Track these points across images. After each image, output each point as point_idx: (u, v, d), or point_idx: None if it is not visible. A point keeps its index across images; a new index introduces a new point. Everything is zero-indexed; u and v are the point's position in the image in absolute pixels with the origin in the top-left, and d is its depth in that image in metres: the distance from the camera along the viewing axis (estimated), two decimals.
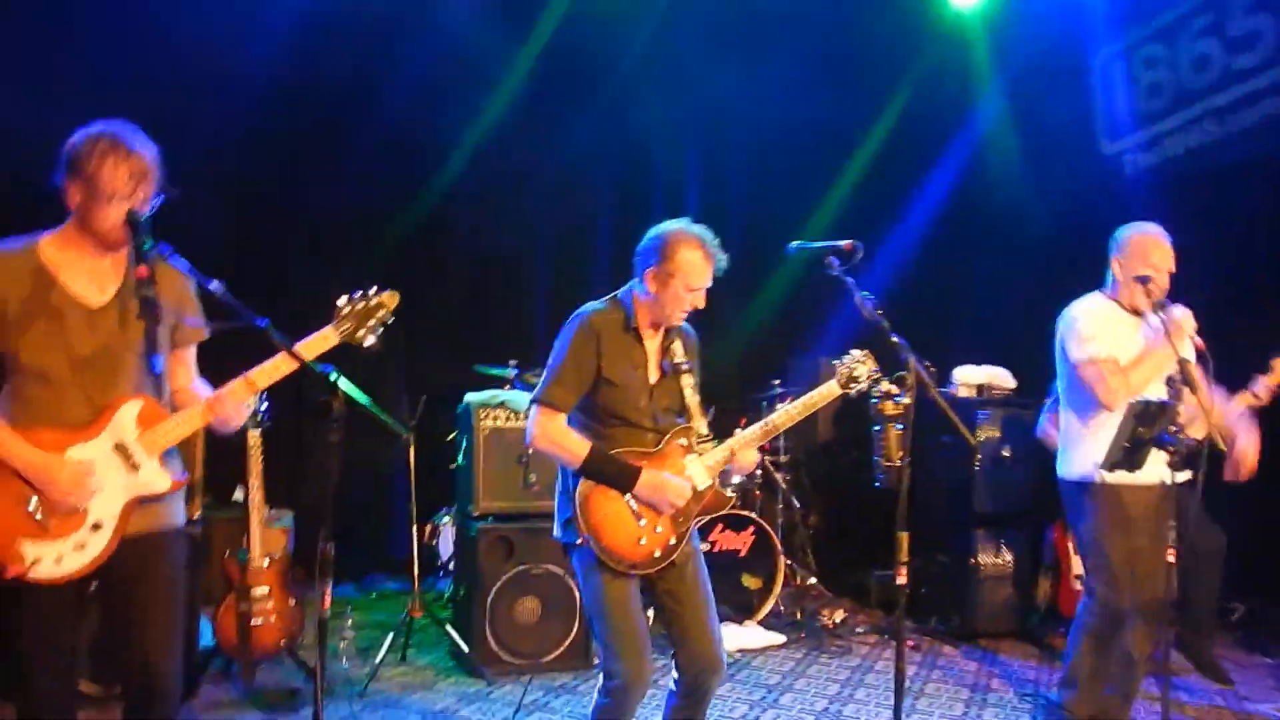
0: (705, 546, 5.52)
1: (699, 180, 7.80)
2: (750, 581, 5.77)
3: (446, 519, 6.34)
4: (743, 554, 5.76)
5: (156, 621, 2.67)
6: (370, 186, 6.74)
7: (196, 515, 4.66)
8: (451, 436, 5.59)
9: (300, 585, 4.68)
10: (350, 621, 5.23)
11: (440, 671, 4.92)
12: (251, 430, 4.40)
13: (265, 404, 4.42)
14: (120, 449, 2.60)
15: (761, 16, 7.02)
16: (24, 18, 5.10)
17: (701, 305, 3.22)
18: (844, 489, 6.99)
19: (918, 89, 7.58)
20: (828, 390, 3.36)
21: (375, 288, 2.73)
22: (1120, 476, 3.72)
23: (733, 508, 5.78)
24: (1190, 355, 3.68)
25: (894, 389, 3.22)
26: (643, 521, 3.16)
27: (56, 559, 2.53)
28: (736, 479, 5.85)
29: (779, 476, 6.25)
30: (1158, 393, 3.64)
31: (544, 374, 3.22)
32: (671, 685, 3.37)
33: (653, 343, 3.30)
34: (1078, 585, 5.83)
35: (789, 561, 5.99)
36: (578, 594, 4.89)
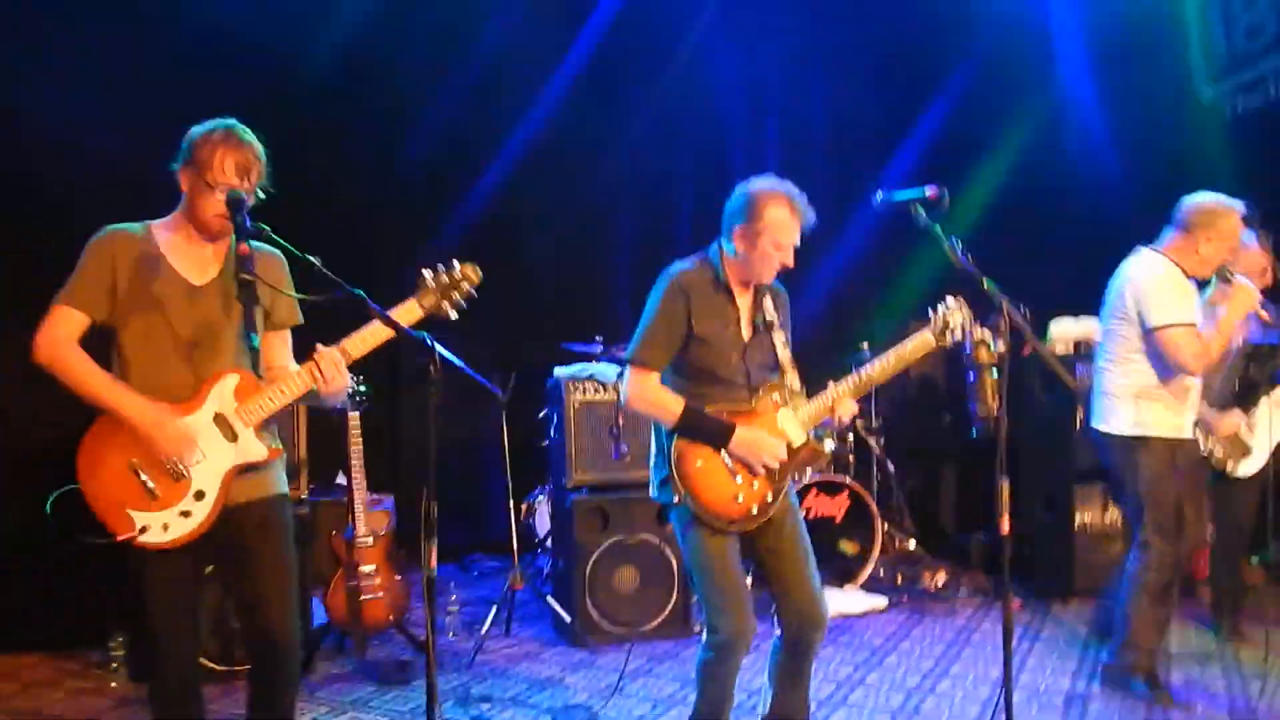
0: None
1: (777, 138, 7.70)
2: (848, 547, 5.74)
3: (541, 497, 6.42)
4: (838, 520, 5.73)
5: (273, 583, 2.79)
6: (446, 166, 6.80)
7: (303, 495, 4.81)
8: (542, 414, 5.66)
9: (404, 563, 4.78)
10: (454, 597, 5.35)
11: (544, 642, 5.00)
12: (351, 412, 4.52)
13: (364, 387, 4.53)
14: (220, 420, 2.71)
15: None
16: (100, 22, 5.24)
17: (791, 263, 3.20)
18: (939, 452, 6.90)
19: (1000, 35, 7.35)
20: (922, 341, 3.31)
21: (458, 262, 2.79)
22: (1169, 431, 3.93)
23: (826, 474, 5.78)
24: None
25: (989, 336, 3.16)
26: (739, 478, 3.16)
27: (164, 526, 2.66)
28: (830, 445, 5.81)
29: (872, 441, 6.19)
30: None
31: (635, 334, 3.23)
32: (775, 642, 3.38)
33: (744, 300, 3.29)
34: None
35: (886, 526, 5.93)
36: (675, 562, 4.92)
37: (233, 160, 2.65)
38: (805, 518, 5.55)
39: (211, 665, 4.23)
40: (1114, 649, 4.12)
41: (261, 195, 2.74)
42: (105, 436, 2.66)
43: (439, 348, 2.49)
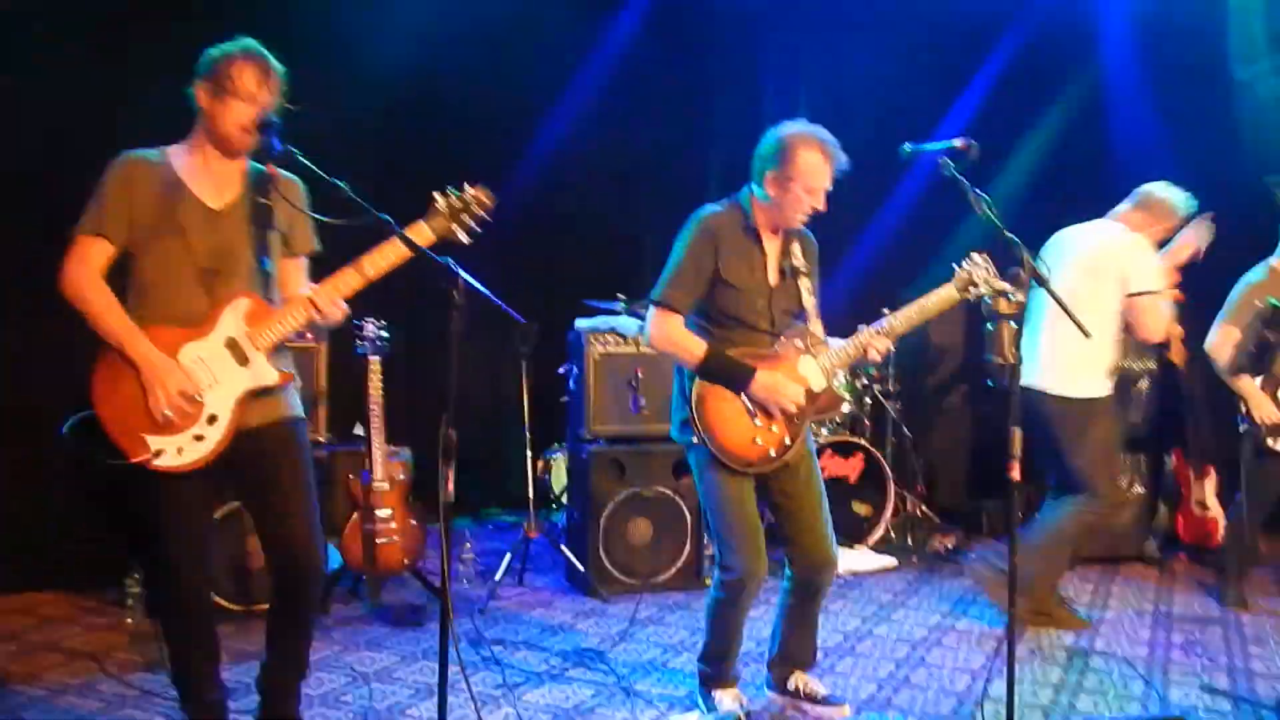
0: None
1: (812, 106, 7.64)
2: (860, 508, 5.78)
3: (558, 455, 6.48)
4: (852, 480, 5.77)
5: (295, 501, 2.84)
6: (472, 124, 6.81)
7: (320, 439, 4.87)
8: (562, 370, 5.70)
9: (422, 514, 4.83)
10: (468, 545, 5.42)
11: (557, 591, 5.07)
12: (372, 356, 4.57)
13: (385, 333, 4.58)
14: (231, 344, 2.75)
15: None
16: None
17: (822, 208, 3.22)
18: (955, 419, 6.92)
19: (1044, 8, 7.28)
20: (945, 294, 3.34)
21: (468, 184, 2.81)
22: (1105, 390, 4.33)
23: (841, 435, 5.82)
24: None
25: (1008, 286, 3.19)
26: (758, 421, 3.20)
27: (178, 450, 2.71)
28: (847, 408, 5.87)
29: (889, 405, 6.22)
30: None
31: (662, 274, 3.26)
32: (784, 584, 3.43)
33: (772, 245, 3.31)
34: (1198, 511, 5.71)
35: (899, 489, 5.97)
36: (689, 516, 4.98)
37: (252, 70, 2.69)
38: None
39: (227, 605, 4.30)
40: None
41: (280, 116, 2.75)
42: (119, 363, 2.70)
43: (463, 273, 2.53)
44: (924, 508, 6.28)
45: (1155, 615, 4.78)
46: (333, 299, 2.75)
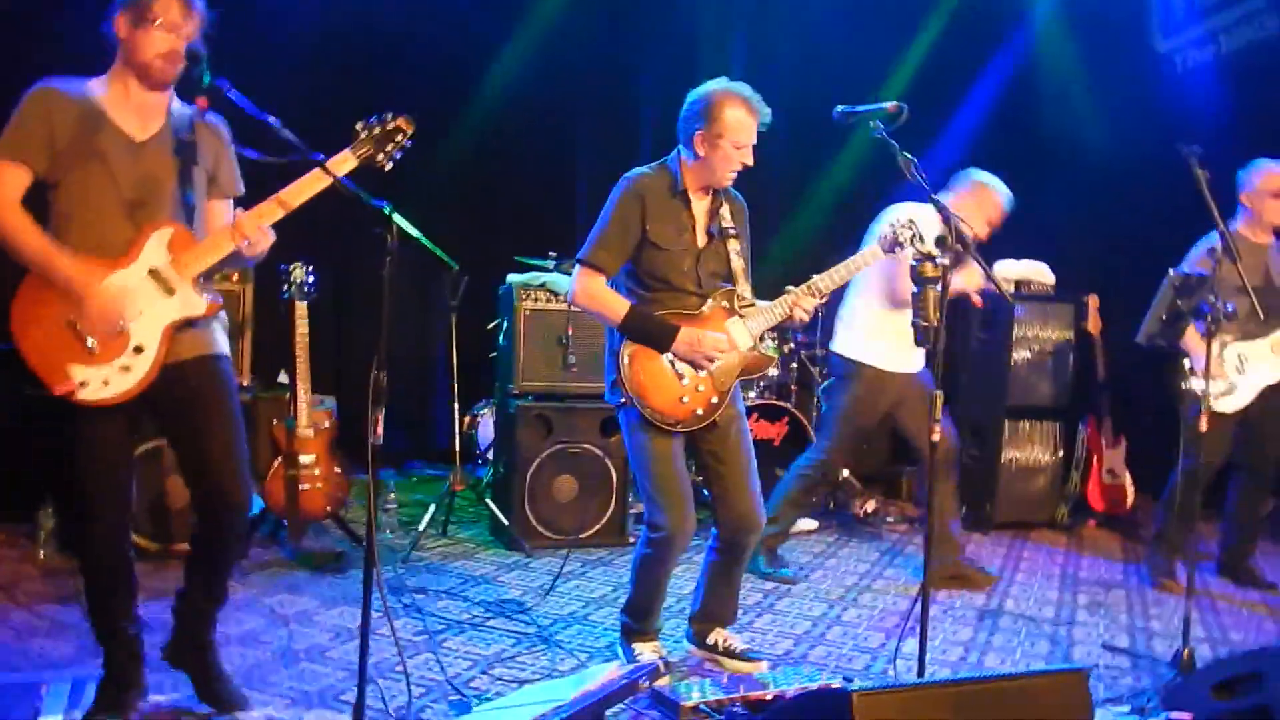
0: None
1: (744, 58, 7.66)
2: (782, 471, 5.84)
3: (486, 410, 6.46)
4: (776, 443, 5.84)
5: (217, 435, 2.79)
6: (411, 76, 6.70)
7: (245, 383, 4.79)
8: (492, 325, 5.67)
9: (346, 465, 4.78)
10: (392, 496, 5.39)
11: (480, 544, 5.07)
12: (299, 301, 4.48)
13: (312, 277, 4.50)
14: (155, 274, 2.68)
15: None
16: None
17: (750, 162, 3.26)
18: None
19: None
20: (870, 253, 3.44)
21: (391, 113, 2.77)
22: (889, 363, 4.47)
23: (767, 400, 5.88)
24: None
25: (934, 251, 3.24)
26: (685, 380, 3.23)
27: (104, 381, 2.64)
28: (774, 371, 5.93)
29: (815, 371, 6.30)
30: None
31: (590, 235, 3.27)
32: (710, 543, 3.48)
33: (701, 207, 3.33)
34: (1108, 479, 5.92)
35: None
36: (615, 473, 5.00)
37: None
38: None
39: (146, 544, 4.24)
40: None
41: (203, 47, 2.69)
42: (40, 291, 2.62)
43: (397, 216, 2.50)
44: (845, 472, 6.39)
45: (1063, 578, 4.94)
46: (259, 225, 2.70)
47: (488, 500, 5.21)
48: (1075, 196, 6.89)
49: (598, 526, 5.03)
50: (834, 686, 3.07)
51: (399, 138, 2.76)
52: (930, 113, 7.15)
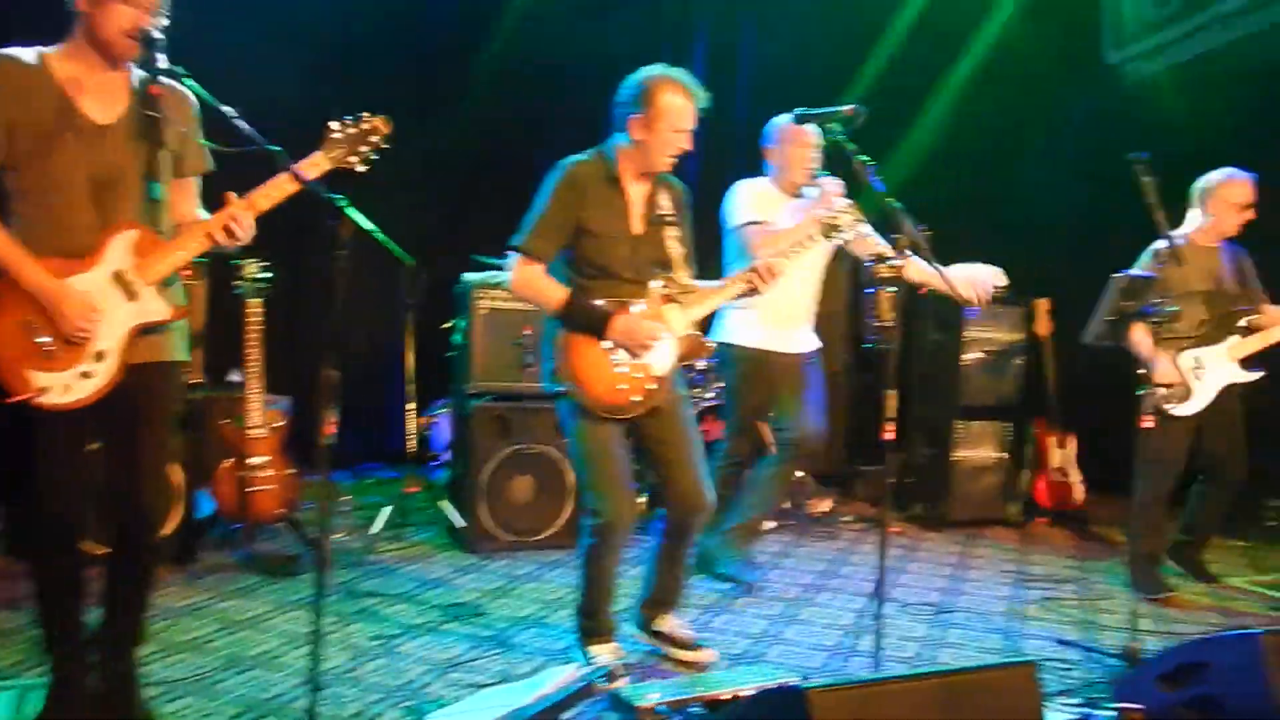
0: None
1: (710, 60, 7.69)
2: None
3: (442, 410, 6.41)
4: None
5: (151, 447, 2.73)
6: (373, 72, 6.64)
7: (197, 381, 4.71)
8: (448, 325, 5.62)
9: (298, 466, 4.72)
10: (348, 497, 5.34)
11: (435, 546, 5.03)
12: (252, 299, 4.43)
13: (268, 274, 4.44)
14: (118, 278, 2.61)
15: None
16: None
17: (689, 147, 3.28)
18: (835, 385, 7.05)
19: None
20: (810, 223, 3.54)
21: (367, 113, 2.72)
22: (768, 344, 4.33)
23: (722, 399, 5.88)
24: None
25: (889, 252, 3.28)
26: (622, 368, 3.24)
27: (64, 387, 2.57)
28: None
29: None
30: None
31: (524, 221, 3.27)
32: (656, 526, 3.50)
33: (638, 193, 3.35)
34: (1057, 477, 6.01)
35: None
36: (571, 475, 4.98)
37: None
38: None
39: (92, 547, 4.14)
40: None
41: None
42: (1, 294, 2.53)
43: (352, 211, 2.47)
44: (800, 472, 6.42)
45: (1015, 574, 5.01)
46: (245, 225, 2.64)
47: (443, 505, 5.17)
48: (1028, 202, 6.99)
49: (554, 528, 5.01)
50: (791, 684, 3.09)
51: (374, 138, 2.72)
52: (888, 119, 7.22)
